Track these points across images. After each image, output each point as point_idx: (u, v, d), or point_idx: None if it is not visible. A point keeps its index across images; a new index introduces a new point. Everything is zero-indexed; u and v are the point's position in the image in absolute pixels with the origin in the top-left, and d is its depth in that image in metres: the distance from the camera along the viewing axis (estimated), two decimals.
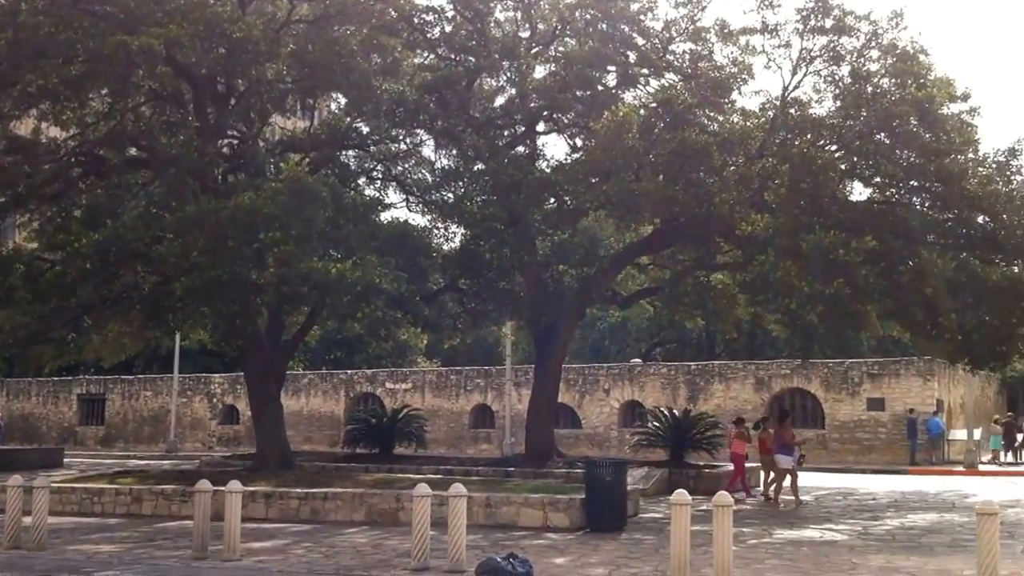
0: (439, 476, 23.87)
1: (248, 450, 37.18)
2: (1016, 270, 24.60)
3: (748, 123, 26.01)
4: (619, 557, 15.44)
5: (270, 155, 27.87)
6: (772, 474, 25.47)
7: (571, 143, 30.12)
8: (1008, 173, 23.67)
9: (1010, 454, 41.59)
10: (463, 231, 28.87)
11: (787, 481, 24.55)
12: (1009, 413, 45.97)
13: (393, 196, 31.05)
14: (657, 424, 30.83)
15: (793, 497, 24.22)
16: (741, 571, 13.62)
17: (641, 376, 45.73)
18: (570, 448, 39.45)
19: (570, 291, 28.35)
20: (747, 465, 26.58)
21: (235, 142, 28.30)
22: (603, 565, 14.68)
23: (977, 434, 39.74)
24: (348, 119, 28.76)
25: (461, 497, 14.28)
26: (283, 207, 22.10)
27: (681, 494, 13.26)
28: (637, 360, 50.94)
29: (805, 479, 27.00)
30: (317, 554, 16.13)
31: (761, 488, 26.47)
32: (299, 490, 21.58)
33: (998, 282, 23.14)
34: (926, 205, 24.56)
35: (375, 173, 31.14)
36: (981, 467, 37.03)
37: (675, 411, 31.49)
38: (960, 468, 36.23)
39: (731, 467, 26.46)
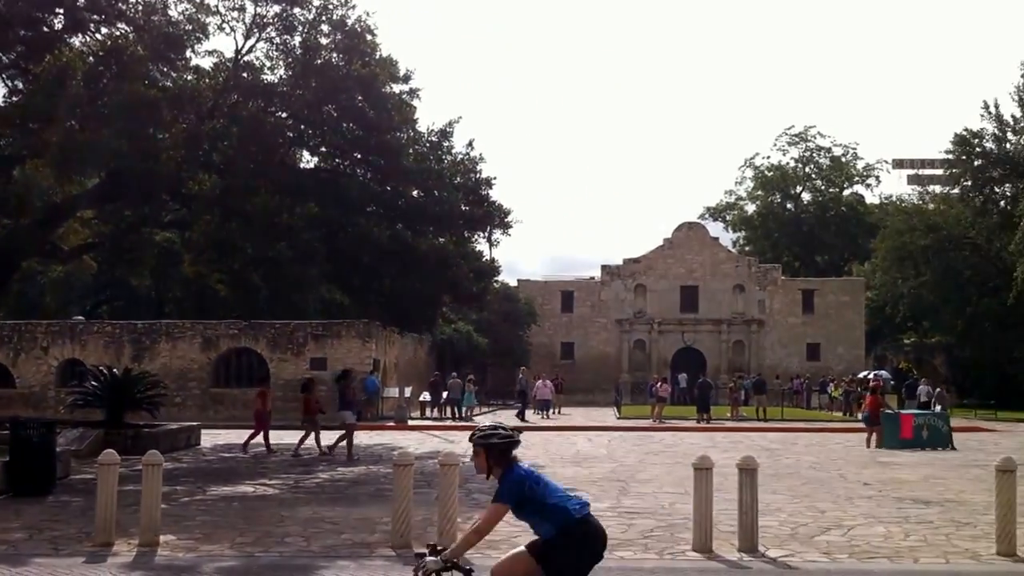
0: None
1: None
2: (443, 241, 26.86)
3: (201, 82, 25.90)
4: (43, 520, 14.90)
5: None
6: (311, 433, 26.37)
7: (10, 86, 28.07)
8: (440, 152, 25.74)
9: (436, 410, 45.21)
10: None
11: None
12: (436, 372, 49.82)
13: None
14: (95, 383, 29.80)
15: (347, 451, 25.30)
16: (170, 527, 13.67)
17: (84, 334, 43.86)
18: (2, 409, 37.06)
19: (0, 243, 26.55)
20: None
21: None
22: (24, 529, 14.11)
23: (408, 392, 42.82)
24: None
25: None
26: None
27: (109, 454, 13.10)
28: (80, 317, 48.77)
29: (240, 437, 27.78)
30: None
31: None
32: None
33: (427, 252, 25.15)
34: (367, 177, 25.99)
35: None
36: (411, 422, 39.97)
37: (116, 370, 30.65)
38: (392, 423, 38.87)
39: (172, 426, 26.62)
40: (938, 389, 32.91)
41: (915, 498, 17.80)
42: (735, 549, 12.44)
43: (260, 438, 27.11)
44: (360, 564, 11.69)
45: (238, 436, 32.40)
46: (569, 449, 28.56)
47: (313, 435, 26.37)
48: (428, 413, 45.56)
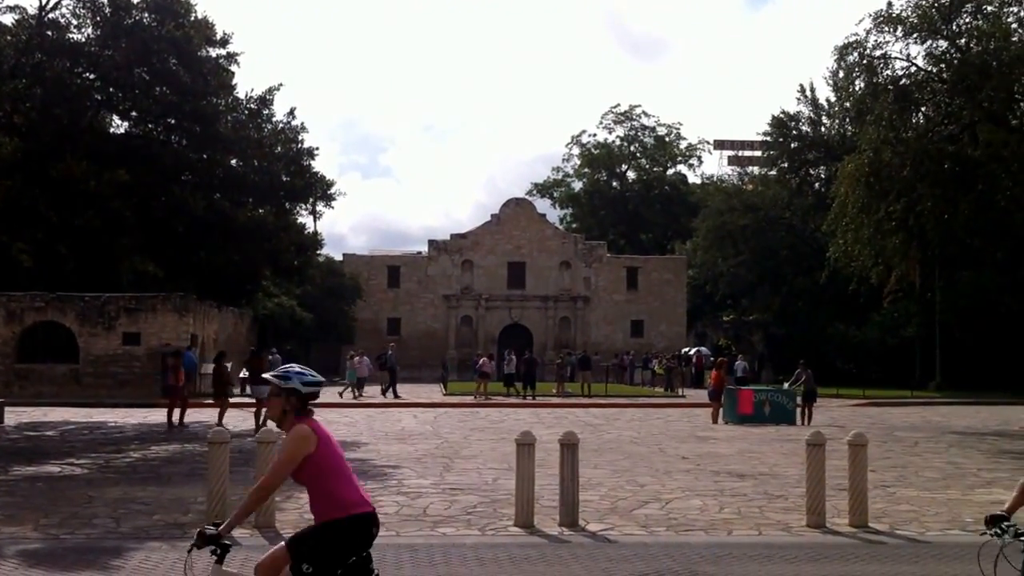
0: None
1: None
2: (263, 212, 26.08)
3: (2, 40, 24.38)
4: None
5: None
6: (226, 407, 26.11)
7: None
8: (260, 120, 24.92)
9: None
10: None
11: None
12: (252, 348, 48.38)
13: None
14: None
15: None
16: None
17: None
18: None
19: None
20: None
21: None
22: None
23: (228, 368, 41.49)
24: None
25: None
26: None
27: None
28: None
29: (56, 415, 26.50)
30: None
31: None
32: None
33: (246, 224, 24.36)
34: (182, 144, 24.99)
35: None
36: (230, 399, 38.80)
37: None
38: (210, 400, 37.63)
39: None
40: (797, 369, 32.99)
41: (731, 471, 18.18)
42: (556, 524, 12.41)
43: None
44: (172, 545, 11.16)
45: (44, 414, 30.99)
46: (394, 426, 28.25)
47: (220, 409, 25.67)
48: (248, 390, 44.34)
